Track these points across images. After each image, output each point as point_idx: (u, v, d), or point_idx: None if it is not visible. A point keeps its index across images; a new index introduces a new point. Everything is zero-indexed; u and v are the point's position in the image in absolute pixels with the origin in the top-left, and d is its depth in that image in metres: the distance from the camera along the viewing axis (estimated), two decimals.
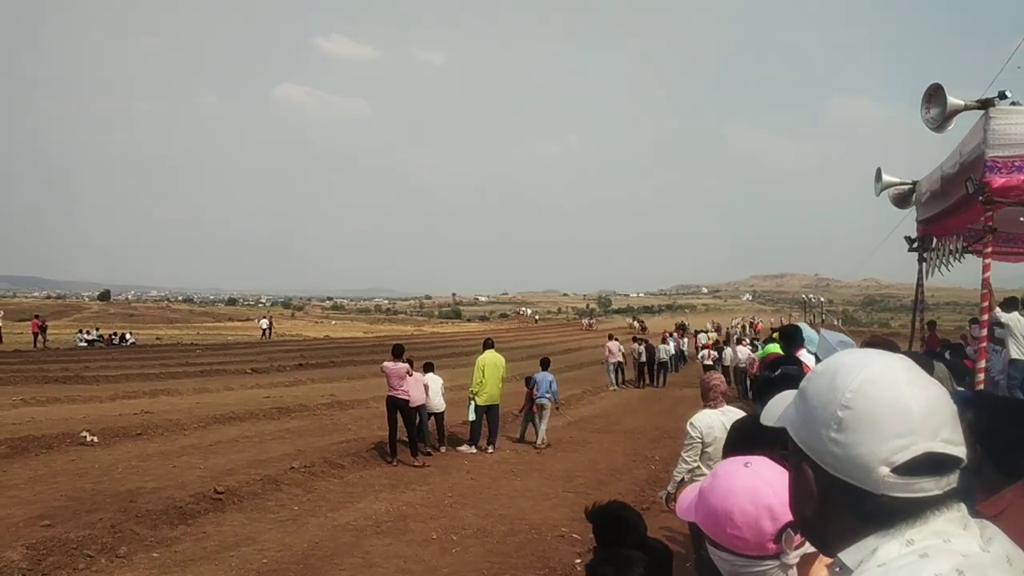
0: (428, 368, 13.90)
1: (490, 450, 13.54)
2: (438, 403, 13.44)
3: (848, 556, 1.11)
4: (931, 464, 1.07)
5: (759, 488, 1.70)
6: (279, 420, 15.70)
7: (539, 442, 14.11)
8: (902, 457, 1.06)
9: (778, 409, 1.29)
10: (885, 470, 1.07)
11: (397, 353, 12.84)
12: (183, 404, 17.64)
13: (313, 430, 14.54)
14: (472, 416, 13.64)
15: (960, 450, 1.09)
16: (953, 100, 6.11)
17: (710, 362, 27.61)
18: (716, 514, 1.73)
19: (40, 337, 40.41)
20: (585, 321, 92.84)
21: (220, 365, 29.58)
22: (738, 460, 1.82)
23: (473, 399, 13.59)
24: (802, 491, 1.19)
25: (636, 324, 69.80)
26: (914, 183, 9.55)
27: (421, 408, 12.96)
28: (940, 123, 6.30)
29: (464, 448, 13.39)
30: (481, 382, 13.54)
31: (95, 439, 12.41)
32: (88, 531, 7.63)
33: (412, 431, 12.54)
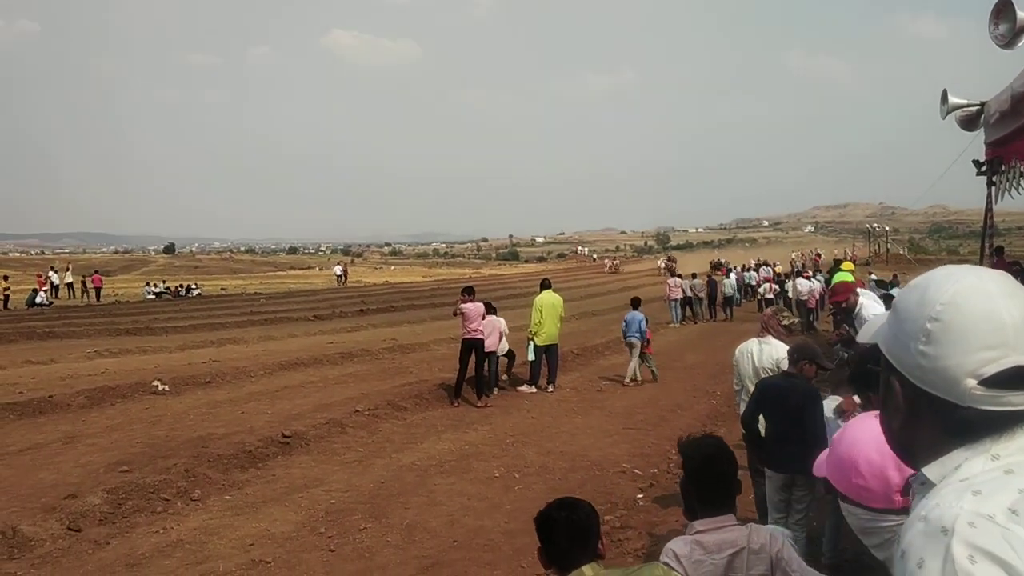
0: (490, 310, 13.62)
1: (550, 389, 13.62)
2: (502, 345, 13.52)
3: (932, 470, 1.10)
4: (1021, 378, 1.05)
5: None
6: (342, 365, 15.99)
7: (628, 379, 14.29)
8: (991, 369, 1.05)
9: (872, 327, 1.29)
10: (972, 382, 1.06)
11: (470, 292, 12.90)
12: (249, 352, 18.08)
13: (376, 374, 14.79)
14: (532, 356, 13.71)
15: None
16: (1023, 14, 5.83)
17: (771, 296, 27.28)
18: (843, 464, 1.70)
19: (89, 293, 41.58)
20: (607, 262, 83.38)
21: (284, 313, 30.20)
22: (870, 413, 1.78)
23: (532, 339, 13.64)
24: (891, 405, 1.19)
25: (663, 265, 60.74)
26: (982, 104, 9.18)
27: (491, 352, 13.09)
28: (1010, 39, 6.01)
29: (524, 388, 13.50)
30: (539, 322, 13.57)
31: (166, 388, 12.80)
32: (164, 476, 7.92)
33: (482, 372, 12.65)
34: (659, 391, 13.58)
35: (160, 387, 12.79)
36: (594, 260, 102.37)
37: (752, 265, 37.90)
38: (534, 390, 13.51)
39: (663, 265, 59.64)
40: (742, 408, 6.44)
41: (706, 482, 2.85)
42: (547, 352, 13.77)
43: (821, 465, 1.88)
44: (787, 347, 5.96)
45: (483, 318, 12.69)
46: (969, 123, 10.03)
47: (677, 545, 2.73)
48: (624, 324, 14.72)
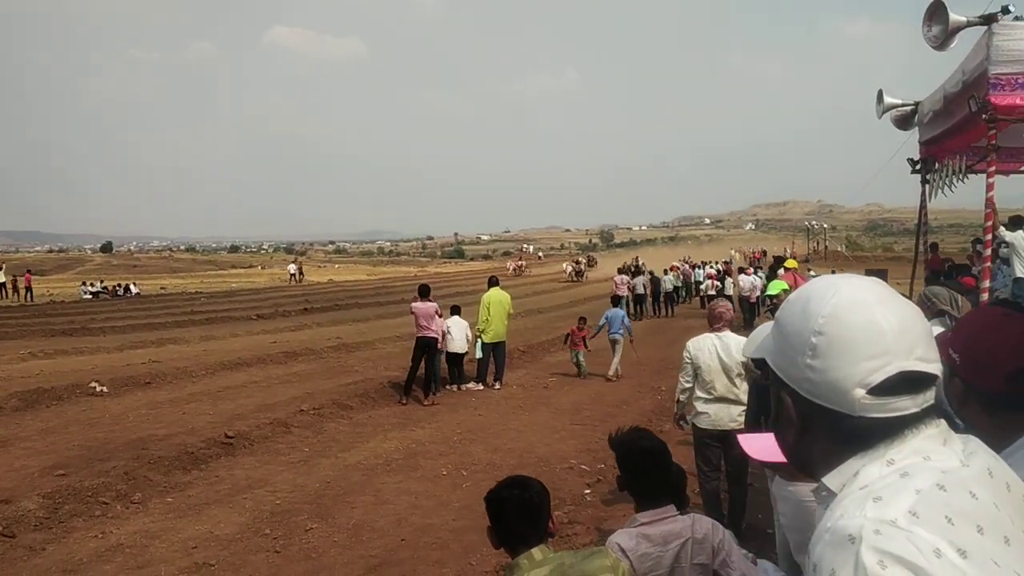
0: (454, 311, 13.83)
1: (497, 386, 13.63)
2: (462, 345, 13.44)
3: (831, 480, 1.12)
4: (906, 383, 1.07)
5: None
6: (286, 364, 15.80)
7: (611, 373, 14.54)
8: (877, 378, 1.06)
9: (756, 341, 1.29)
10: (861, 392, 1.07)
11: (424, 293, 12.96)
12: (190, 352, 17.76)
13: (320, 373, 14.65)
14: (479, 353, 13.70)
15: (935, 367, 1.09)
16: (955, 16, 5.97)
17: (713, 292, 27.68)
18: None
19: (20, 293, 40.55)
20: (510, 264, 72.89)
21: (225, 312, 29.77)
22: None
23: (480, 336, 13.63)
24: (783, 419, 1.20)
25: (570, 268, 57.40)
26: (916, 104, 9.41)
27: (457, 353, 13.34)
28: (942, 41, 6.17)
29: (472, 385, 13.47)
30: (487, 319, 13.57)
31: (104, 389, 12.51)
32: (102, 479, 7.73)
33: (434, 371, 12.67)
34: (605, 387, 13.67)
35: (98, 388, 12.48)
36: (540, 258, 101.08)
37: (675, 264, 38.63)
38: (481, 387, 13.49)
39: (570, 269, 56.76)
40: (684, 402, 6.48)
41: (643, 474, 2.86)
42: (494, 349, 13.79)
43: (770, 451, 1.88)
44: (744, 339, 6.03)
45: (438, 315, 12.73)
46: (904, 122, 10.28)
47: (622, 539, 2.72)
48: (605, 320, 14.99)
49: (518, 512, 2.41)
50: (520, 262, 72.91)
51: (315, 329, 23.50)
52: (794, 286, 6.84)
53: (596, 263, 58.44)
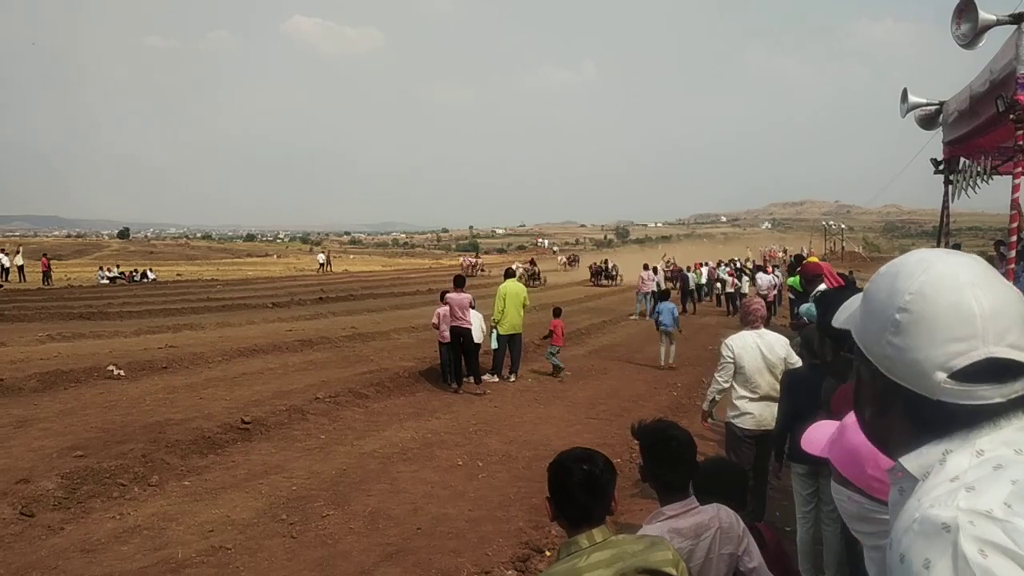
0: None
1: (512, 379, 13.61)
2: (477, 336, 13.45)
3: (910, 462, 1.07)
4: (994, 370, 1.02)
5: None
6: (302, 352, 15.82)
7: (663, 363, 15.20)
8: (961, 362, 1.02)
9: (847, 310, 1.25)
10: (942, 376, 1.03)
11: (459, 283, 13.16)
12: (206, 338, 17.80)
13: (336, 362, 14.65)
14: (495, 345, 13.68)
15: None
16: (985, 15, 5.88)
17: (731, 290, 27.60)
18: (858, 454, 1.65)
19: (44, 277, 40.71)
20: (463, 260, 65.29)
21: (241, 300, 29.86)
22: None
23: (495, 328, 13.61)
24: (863, 394, 1.18)
25: (564, 260, 59.99)
26: (941, 104, 9.32)
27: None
28: (971, 39, 6.08)
29: (487, 377, 13.45)
30: (503, 311, 13.54)
31: (122, 373, 12.56)
32: (120, 461, 7.75)
33: (473, 360, 12.77)
34: (620, 383, 13.62)
35: (115, 372, 12.53)
36: (554, 253, 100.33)
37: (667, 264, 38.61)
38: (496, 379, 13.47)
39: (564, 260, 60.89)
40: (711, 403, 6.39)
41: (669, 465, 2.84)
42: (510, 341, 13.75)
43: (821, 446, 1.84)
44: (782, 337, 5.96)
45: (471, 307, 12.82)
46: (928, 122, 10.17)
47: (652, 532, 2.69)
48: (657, 313, 15.70)
49: (583, 485, 2.31)
50: (475, 260, 63.58)
51: (330, 319, 23.53)
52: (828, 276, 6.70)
53: (578, 262, 55.84)
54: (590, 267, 51.84)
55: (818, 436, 1.89)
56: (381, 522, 6.61)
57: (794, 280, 8.44)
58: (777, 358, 5.84)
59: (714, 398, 6.31)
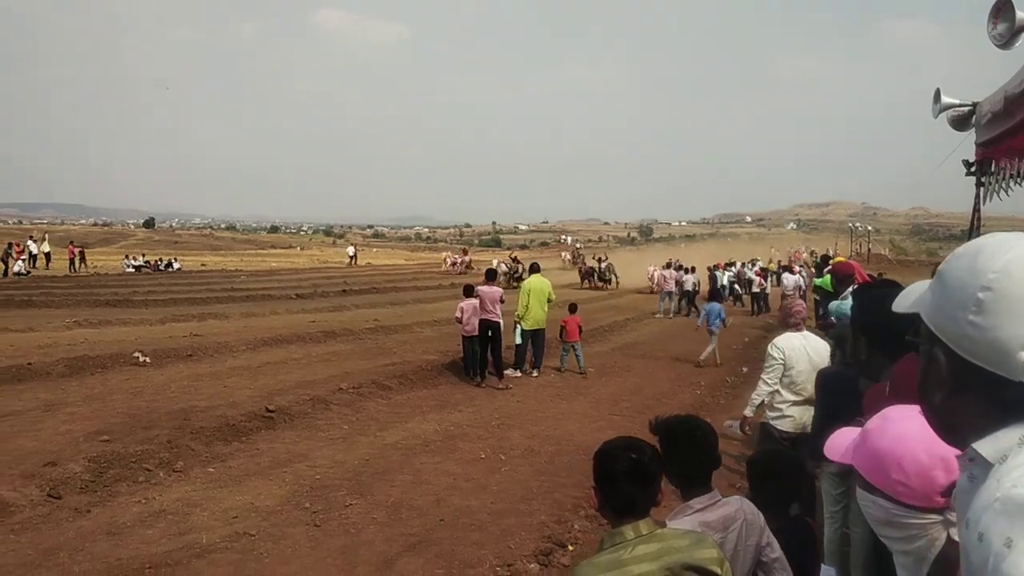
0: (468, 293, 13.70)
1: (535, 374, 13.59)
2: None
3: (985, 446, 1.04)
4: None
5: (936, 437, 1.62)
6: (325, 343, 15.88)
7: (702, 358, 15.34)
8: None
9: (911, 295, 1.23)
10: None
11: (491, 276, 13.39)
12: (230, 327, 17.92)
13: (359, 353, 14.70)
14: (518, 340, 13.66)
15: None
16: (1023, 15, 5.79)
17: (757, 290, 27.45)
18: (882, 458, 1.63)
19: (76, 264, 41.12)
20: (446, 257, 57.71)
21: (265, 291, 30.02)
22: (913, 407, 1.72)
23: (519, 323, 13.59)
24: (933, 378, 1.14)
25: (569, 256, 52.33)
26: (974, 104, 9.19)
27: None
28: (1008, 39, 5.98)
29: (509, 372, 13.43)
30: (526, 306, 13.51)
31: (147, 360, 12.66)
32: (145, 446, 7.81)
33: (499, 354, 12.83)
34: (644, 380, 13.55)
35: (141, 358, 12.64)
36: (577, 249, 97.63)
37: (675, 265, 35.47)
38: (519, 374, 13.46)
39: (569, 256, 54.31)
40: (757, 408, 6.14)
41: (692, 458, 2.78)
42: (533, 337, 13.73)
43: (843, 451, 1.80)
44: (822, 340, 5.86)
45: (501, 301, 12.91)
46: (960, 123, 10.03)
47: (684, 525, 2.66)
48: (705, 313, 15.99)
49: (630, 475, 2.26)
50: (465, 256, 54.04)
51: (353, 311, 23.63)
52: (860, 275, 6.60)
53: (583, 260, 44.61)
54: (579, 267, 43.21)
55: (840, 442, 1.86)
56: (404, 512, 6.62)
57: (824, 280, 8.35)
58: (822, 361, 5.70)
59: (762, 401, 6.06)
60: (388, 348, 15.46)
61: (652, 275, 33.39)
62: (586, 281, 39.66)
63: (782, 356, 5.83)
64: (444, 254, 63.16)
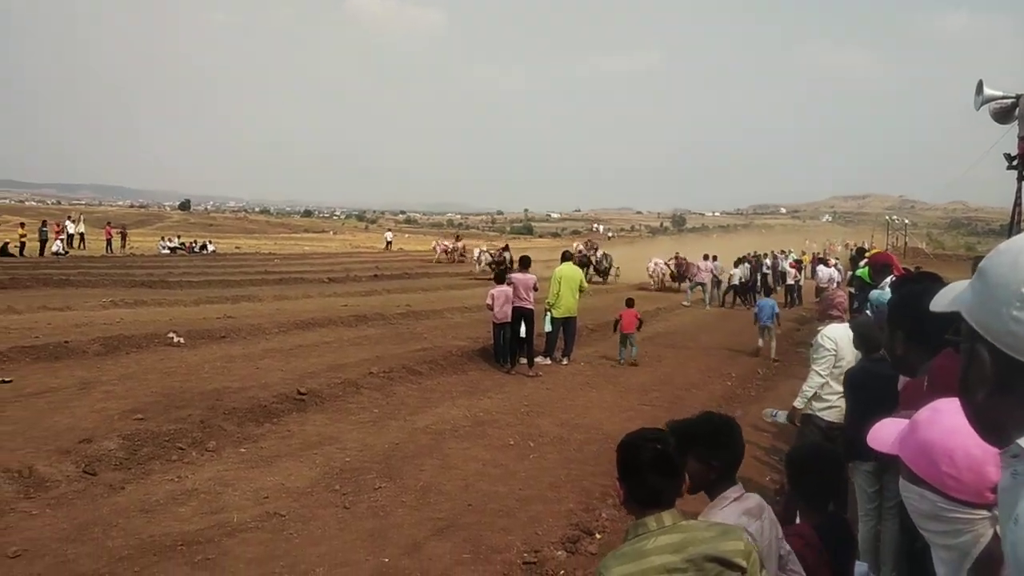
0: (500, 280, 13.67)
1: (565, 362, 13.56)
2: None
3: None
4: None
5: None
6: (357, 327, 15.98)
7: (761, 348, 15.64)
8: None
9: (949, 294, 1.20)
10: None
11: (525, 264, 13.36)
12: (263, 310, 18.10)
13: (390, 338, 14.77)
14: (549, 327, 13.63)
15: None
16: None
17: (792, 282, 27.18)
18: (932, 450, 1.59)
19: (115, 244, 41.78)
20: (436, 245, 49.04)
21: (298, 274, 30.26)
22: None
23: (549, 311, 13.56)
24: (976, 376, 1.12)
25: (487, 258, 36.79)
26: (1017, 97, 9.03)
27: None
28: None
29: (540, 359, 13.41)
30: (557, 294, 13.47)
31: (181, 340, 12.80)
32: (178, 425, 7.90)
33: (531, 341, 12.80)
34: (674, 370, 13.49)
35: (175, 339, 12.79)
36: (608, 238, 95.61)
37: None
38: (549, 362, 13.44)
39: (581, 247, 48.70)
40: (809, 401, 5.95)
41: (728, 452, 2.81)
42: (564, 325, 13.68)
43: (889, 442, 1.77)
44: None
45: (535, 289, 12.91)
46: (1003, 116, 9.86)
47: (728, 516, 2.64)
48: (759, 309, 16.08)
49: (654, 465, 2.25)
50: (457, 243, 46.47)
51: (385, 296, 23.75)
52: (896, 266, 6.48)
53: (597, 251, 35.98)
54: (575, 256, 35.35)
55: (885, 433, 1.83)
56: (432, 497, 6.64)
57: (862, 272, 8.23)
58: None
59: (815, 393, 5.91)
60: (419, 333, 15.52)
61: (653, 269, 31.49)
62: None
63: (834, 346, 5.77)
64: (433, 241, 55.35)
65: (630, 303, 14.79)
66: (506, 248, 35.93)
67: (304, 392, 9.61)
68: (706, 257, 27.35)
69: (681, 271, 30.45)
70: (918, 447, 1.64)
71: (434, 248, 47.93)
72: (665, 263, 31.86)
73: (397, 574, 5.16)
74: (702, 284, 26.30)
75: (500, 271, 13.32)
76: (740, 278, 26.41)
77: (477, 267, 35.04)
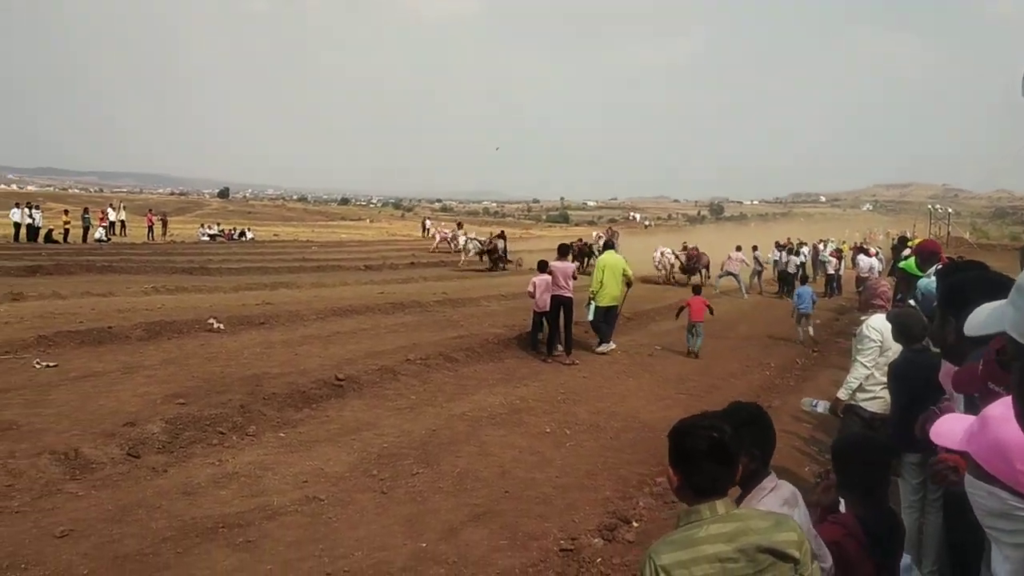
0: (542, 268, 13.41)
1: (603, 350, 13.47)
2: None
3: None
4: None
5: None
6: (394, 314, 16.05)
7: (803, 339, 15.77)
8: None
9: (979, 317, 1.17)
10: None
11: (563, 252, 13.51)
12: (301, 296, 18.26)
13: (426, 325, 14.82)
14: (591, 316, 13.54)
15: None
16: None
17: (832, 271, 26.85)
18: (1006, 448, 1.56)
19: (155, 231, 42.49)
20: (434, 231, 48.50)
21: (335, 261, 30.47)
22: None
23: (592, 300, 13.48)
24: None
25: (473, 243, 35.17)
26: None
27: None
28: None
29: (602, 348, 13.38)
30: (601, 282, 13.41)
31: (221, 326, 12.95)
32: (219, 410, 8.00)
33: (569, 330, 12.76)
34: (711, 360, 13.39)
35: (215, 325, 12.94)
36: (645, 228, 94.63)
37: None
38: (613, 346, 13.47)
39: (599, 237, 44.48)
40: (853, 392, 5.87)
41: (767, 443, 2.85)
42: (606, 313, 13.62)
43: (958, 438, 1.73)
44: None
45: (574, 278, 12.91)
46: None
47: (770, 506, 2.62)
48: (797, 297, 16.41)
49: (710, 453, 2.22)
50: (458, 231, 38.51)
51: (421, 283, 23.85)
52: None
53: (617, 238, 27.70)
54: (572, 246, 29.20)
55: (950, 429, 1.79)
56: (469, 483, 6.67)
57: (908, 263, 8.05)
58: None
59: (859, 384, 5.81)
60: (455, 321, 15.55)
61: (660, 260, 28.70)
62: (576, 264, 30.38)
63: (879, 337, 5.67)
64: (432, 228, 52.24)
65: (697, 290, 14.73)
66: (500, 236, 33.56)
67: (342, 378, 9.68)
68: (738, 248, 26.83)
69: (692, 263, 28.40)
70: (990, 444, 1.59)
71: (433, 235, 45.28)
72: (673, 253, 29.18)
73: (434, 559, 5.18)
74: (733, 274, 25.75)
75: (542, 262, 13.17)
76: (797, 264, 26.15)
77: (463, 256, 33.27)
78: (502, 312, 17.07)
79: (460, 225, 41.04)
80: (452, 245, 38.27)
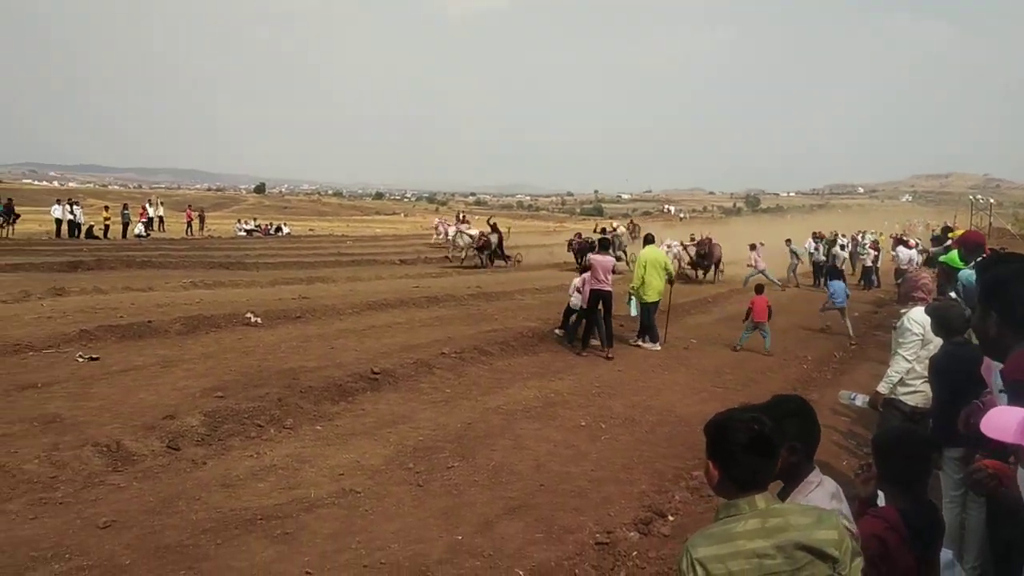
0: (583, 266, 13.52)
1: (643, 344, 13.40)
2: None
3: None
4: None
5: None
6: (428, 308, 16.12)
7: (852, 334, 15.39)
8: None
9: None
10: None
11: (604, 246, 13.45)
12: (337, 291, 18.40)
13: (461, 319, 14.86)
14: (634, 312, 13.44)
15: None
16: None
17: (870, 263, 26.51)
18: None
19: (193, 227, 43.02)
20: (439, 223, 41.05)
21: (370, 256, 30.62)
22: None
23: (632, 295, 13.38)
24: None
25: (464, 237, 30.34)
26: None
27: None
28: None
29: (649, 345, 13.29)
30: (642, 278, 13.34)
31: (259, 320, 13.09)
32: (257, 403, 8.08)
33: (609, 323, 12.68)
34: (748, 354, 13.27)
35: (253, 319, 13.08)
36: (680, 220, 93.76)
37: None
38: (658, 347, 13.33)
39: (624, 229, 41.14)
40: (894, 386, 5.78)
41: (811, 437, 2.81)
42: (649, 308, 13.55)
43: (1006, 429, 1.70)
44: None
45: (613, 271, 12.77)
46: None
47: (819, 501, 2.59)
48: (831, 292, 16.22)
49: (751, 447, 2.19)
50: (461, 224, 33.68)
51: (455, 277, 23.93)
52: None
53: (638, 231, 31.36)
54: (570, 241, 30.11)
55: (1004, 422, 1.76)
56: (504, 476, 6.68)
57: (950, 256, 7.90)
58: None
59: (900, 379, 5.72)
60: (490, 314, 15.58)
61: (666, 253, 26.28)
62: (582, 258, 26.48)
63: (921, 330, 5.58)
64: (436, 220, 48.80)
65: (759, 290, 14.61)
66: (494, 229, 30.03)
67: (378, 372, 9.73)
68: (752, 247, 25.89)
69: (702, 255, 26.45)
70: None
71: (436, 227, 41.61)
72: (682, 246, 27.21)
73: (470, 552, 5.20)
74: (762, 271, 25.01)
75: (580, 257, 13.07)
76: (840, 257, 25.93)
77: (451, 251, 29.99)
78: (537, 306, 17.08)
79: (461, 218, 37.94)
80: (442, 238, 35.81)
